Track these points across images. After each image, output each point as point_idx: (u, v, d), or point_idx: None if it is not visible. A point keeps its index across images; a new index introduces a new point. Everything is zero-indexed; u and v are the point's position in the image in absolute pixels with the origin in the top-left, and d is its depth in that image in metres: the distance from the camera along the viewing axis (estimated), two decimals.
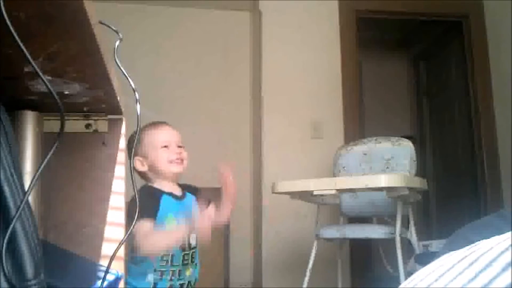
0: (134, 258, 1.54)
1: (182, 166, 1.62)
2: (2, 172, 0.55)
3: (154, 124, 1.65)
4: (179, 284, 1.56)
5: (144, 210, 1.46)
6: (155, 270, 1.53)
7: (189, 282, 1.59)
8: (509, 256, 0.27)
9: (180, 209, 1.60)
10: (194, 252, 1.61)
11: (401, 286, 0.33)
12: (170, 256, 1.54)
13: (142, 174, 1.61)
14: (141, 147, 1.60)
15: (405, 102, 4.70)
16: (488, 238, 0.31)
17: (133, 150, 1.53)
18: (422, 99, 4.45)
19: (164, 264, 1.54)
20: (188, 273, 1.59)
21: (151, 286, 1.52)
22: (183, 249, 1.58)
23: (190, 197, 1.67)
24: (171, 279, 1.54)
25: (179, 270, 1.56)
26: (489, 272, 0.27)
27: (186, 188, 1.69)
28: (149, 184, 1.61)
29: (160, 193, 1.57)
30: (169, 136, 1.63)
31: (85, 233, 1.03)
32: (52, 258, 0.76)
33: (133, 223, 0.84)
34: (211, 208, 1.63)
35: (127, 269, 1.54)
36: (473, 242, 0.31)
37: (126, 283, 1.52)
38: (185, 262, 1.58)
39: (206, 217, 1.49)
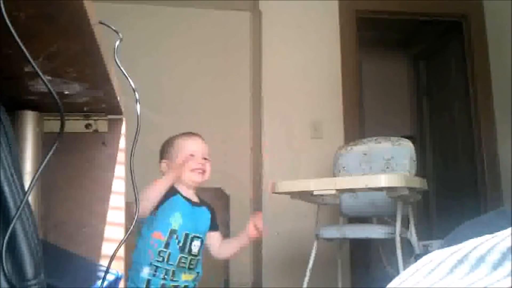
0: (135, 250, 1.60)
1: (203, 177, 1.70)
2: (2, 172, 0.55)
3: (188, 133, 1.78)
4: (172, 286, 1.57)
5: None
6: (150, 264, 1.55)
7: (185, 286, 1.60)
8: (498, 253, 0.27)
9: (190, 213, 1.65)
10: (193, 259, 1.63)
11: (391, 283, 0.33)
12: (167, 253, 1.57)
13: (164, 175, 1.71)
14: (170, 152, 1.72)
15: (405, 102, 4.70)
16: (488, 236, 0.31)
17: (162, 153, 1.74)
18: (422, 99, 4.44)
19: (160, 260, 1.56)
20: (183, 277, 1.60)
21: (145, 281, 1.55)
22: (182, 251, 1.59)
23: (205, 210, 1.73)
24: (164, 278, 1.56)
25: (173, 271, 1.57)
26: (480, 268, 0.27)
27: (205, 203, 1.76)
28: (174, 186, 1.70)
29: (175, 191, 1.65)
30: (197, 146, 1.73)
31: (85, 233, 1.03)
32: (52, 258, 0.76)
33: (133, 223, 0.84)
34: (219, 235, 1.76)
35: (130, 264, 1.60)
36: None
37: (129, 276, 1.58)
38: (181, 264, 1.59)
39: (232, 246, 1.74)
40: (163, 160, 1.73)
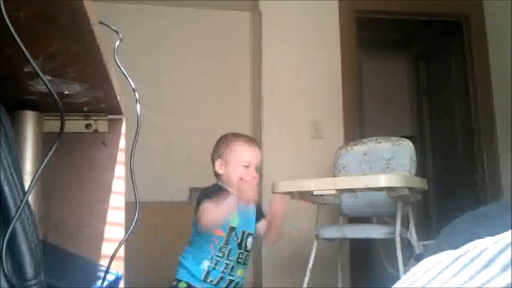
0: (193, 244, 1.69)
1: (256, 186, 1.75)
2: (2, 172, 0.55)
3: (248, 139, 1.83)
4: (229, 279, 1.66)
5: (213, 197, 1.65)
6: (211, 258, 1.64)
7: (237, 282, 1.69)
8: (507, 256, 0.27)
9: (244, 211, 1.71)
10: (248, 254, 1.73)
11: (396, 284, 0.33)
12: (227, 249, 1.66)
13: (217, 175, 1.79)
14: (227, 153, 1.76)
15: (405, 102, 4.70)
16: (489, 228, 0.31)
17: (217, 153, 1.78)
18: (422, 99, 4.44)
19: (221, 255, 1.65)
20: (239, 272, 1.69)
21: (204, 273, 1.64)
22: (239, 247, 1.69)
23: (253, 209, 1.78)
24: (223, 272, 1.65)
25: (232, 266, 1.67)
26: (487, 272, 0.27)
27: (255, 205, 1.81)
28: (220, 184, 1.77)
29: (229, 193, 1.69)
30: (253, 157, 1.76)
31: (85, 233, 1.03)
32: (52, 258, 0.76)
33: (133, 223, 0.83)
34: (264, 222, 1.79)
35: (187, 253, 1.69)
36: (473, 233, 0.31)
37: (181, 266, 1.67)
38: (240, 260, 1.68)
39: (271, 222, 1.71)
40: (219, 160, 1.76)
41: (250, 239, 1.73)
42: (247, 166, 1.73)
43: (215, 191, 1.71)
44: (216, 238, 1.66)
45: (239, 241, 1.69)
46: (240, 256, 1.69)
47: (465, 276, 0.28)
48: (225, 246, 1.66)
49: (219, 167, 1.76)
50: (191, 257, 1.67)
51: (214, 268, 1.64)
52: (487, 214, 0.94)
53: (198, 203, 1.67)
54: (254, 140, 1.84)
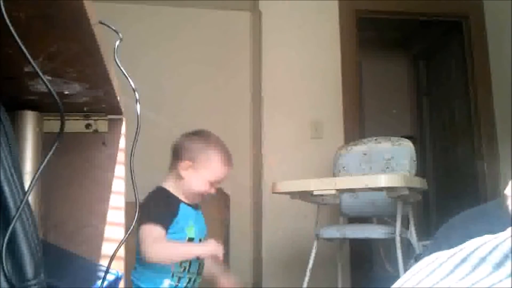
0: (146, 264, 1.49)
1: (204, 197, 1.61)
2: (2, 172, 0.55)
3: (227, 155, 1.60)
4: None
5: (159, 216, 1.47)
6: (172, 276, 1.51)
7: None
8: (500, 253, 0.27)
9: (196, 218, 1.60)
10: (202, 262, 1.60)
11: (394, 285, 0.33)
12: (188, 263, 1.53)
13: (177, 173, 1.57)
14: (202, 161, 1.56)
15: (405, 102, 4.70)
16: (486, 226, 0.31)
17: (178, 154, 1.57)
18: (422, 99, 4.45)
19: (182, 270, 1.52)
20: (198, 283, 1.59)
21: None
22: (199, 257, 1.56)
23: (200, 211, 1.66)
24: (186, 286, 1.54)
25: (194, 278, 1.56)
26: (478, 271, 0.27)
27: (199, 206, 1.68)
28: (165, 187, 1.58)
29: (179, 201, 1.55)
30: (223, 177, 1.60)
31: (85, 233, 1.03)
32: (52, 258, 0.76)
33: (133, 223, 0.84)
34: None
35: (139, 273, 1.53)
36: (471, 230, 0.31)
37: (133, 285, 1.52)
38: (199, 271, 1.58)
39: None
40: (188, 162, 1.56)
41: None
42: (217, 182, 1.58)
43: (162, 202, 1.52)
44: None
45: (185, 260, 1.53)
46: (200, 267, 1.57)
47: (458, 275, 0.28)
48: (185, 261, 1.51)
49: (184, 168, 1.55)
50: (147, 279, 1.50)
51: (177, 286, 1.50)
52: (485, 212, 0.94)
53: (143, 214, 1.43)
54: (231, 158, 1.63)
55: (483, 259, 0.28)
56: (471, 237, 0.32)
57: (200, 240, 1.57)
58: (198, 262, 1.56)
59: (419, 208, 4.08)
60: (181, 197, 1.57)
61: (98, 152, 1.06)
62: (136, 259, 1.53)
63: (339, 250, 2.71)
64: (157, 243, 1.44)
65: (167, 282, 1.49)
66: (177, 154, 1.61)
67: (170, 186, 1.58)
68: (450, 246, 0.32)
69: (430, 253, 0.33)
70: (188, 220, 1.55)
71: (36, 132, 0.90)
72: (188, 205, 1.58)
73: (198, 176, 1.55)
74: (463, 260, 0.29)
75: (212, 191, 1.59)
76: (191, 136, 1.64)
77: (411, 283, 0.31)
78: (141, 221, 1.45)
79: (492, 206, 0.93)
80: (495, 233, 0.30)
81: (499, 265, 0.27)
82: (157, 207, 1.51)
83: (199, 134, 1.65)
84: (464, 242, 0.31)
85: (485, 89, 3.31)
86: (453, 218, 0.94)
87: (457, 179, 3.71)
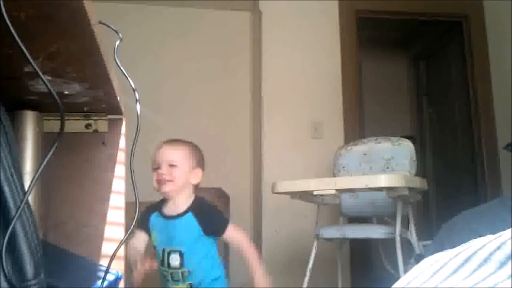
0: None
1: (172, 185, 1.62)
2: (2, 172, 0.55)
3: (160, 143, 1.71)
4: None
5: (140, 224, 1.67)
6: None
7: None
8: (503, 254, 0.27)
9: (164, 228, 1.65)
10: (174, 272, 1.61)
11: (395, 285, 0.33)
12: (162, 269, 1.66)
13: (184, 183, 1.70)
14: (201, 164, 1.73)
15: (405, 102, 4.70)
16: (489, 224, 0.31)
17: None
18: (422, 99, 4.44)
19: (164, 277, 1.67)
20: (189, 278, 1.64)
21: None
22: (162, 265, 1.63)
23: (186, 219, 1.64)
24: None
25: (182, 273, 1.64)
26: (482, 270, 0.27)
27: (192, 209, 1.66)
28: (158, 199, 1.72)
29: (151, 210, 1.68)
30: (160, 157, 1.65)
31: (85, 233, 1.03)
32: (52, 258, 0.76)
33: (133, 223, 0.84)
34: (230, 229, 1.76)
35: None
36: (473, 229, 0.31)
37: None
38: (175, 278, 1.63)
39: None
40: (199, 169, 1.72)
41: (174, 256, 1.61)
42: (159, 168, 1.66)
43: (145, 209, 1.72)
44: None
45: (160, 259, 1.63)
46: (164, 274, 1.63)
47: (461, 275, 0.28)
48: (162, 267, 1.63)
49: (197, 176, 1.69)
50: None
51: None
52: (486, 211, 0.94)
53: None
54: (168, 140, 1.74)
55: (486, 259, 0.28)
56: (473, 236, 0.32)
57: (163, 250, 1.63)
58: (161, 269, 1.64)
59: (419, 208, 4.08)
60: (164, 205, 1.69)
61: (98, 152, 1.06)
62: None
63: (339, 250, 2.71)
64: (135, 252, 1.63)
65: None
66: (187, 167, 1.73)
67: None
68: (453, 246, 0.32)
69: (433, 252, 0.33)
70: (153, 230, 1.68)
71: (36, 132, 0.90)
72: (161, 214, 1.69)
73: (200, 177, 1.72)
74: (466, 260, 0.29)
75: (160, 175, 1.64)
76: (191, 149, 1.77)
77: (415, 283, 0.31)
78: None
79: (493, 206, 0.93)
80: (497, 232, 0.30)
81: (503, 264, 0.27)
82: (140, 217, 1.66)
83: (193, 145, 1.78)
84: (467, 241, 0.31)
85: (485, 89, 3.31)
86: (455, 218, 0.94)
87: (457, 179, 3.71)
